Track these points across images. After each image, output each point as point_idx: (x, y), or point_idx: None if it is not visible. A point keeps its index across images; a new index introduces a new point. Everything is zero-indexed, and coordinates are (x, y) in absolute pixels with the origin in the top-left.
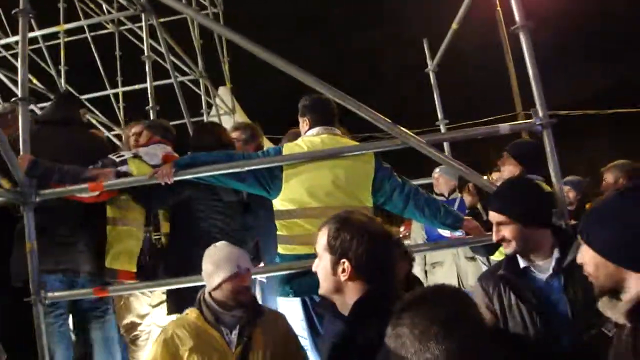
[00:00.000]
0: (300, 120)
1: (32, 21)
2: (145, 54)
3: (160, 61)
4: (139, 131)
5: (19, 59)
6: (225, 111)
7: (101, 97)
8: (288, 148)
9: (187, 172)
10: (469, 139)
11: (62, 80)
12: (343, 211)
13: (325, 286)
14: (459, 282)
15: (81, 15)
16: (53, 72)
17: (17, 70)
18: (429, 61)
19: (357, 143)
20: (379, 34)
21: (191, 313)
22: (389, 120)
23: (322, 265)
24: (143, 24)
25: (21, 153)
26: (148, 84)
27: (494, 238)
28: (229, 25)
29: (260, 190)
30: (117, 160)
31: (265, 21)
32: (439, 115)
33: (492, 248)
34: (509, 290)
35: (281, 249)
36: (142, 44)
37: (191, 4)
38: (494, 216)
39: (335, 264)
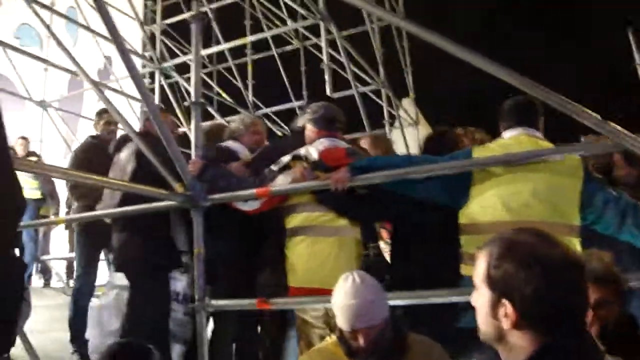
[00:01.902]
0: (500, 120)
1: (220, 37)
2: (325, 61)
3: (341, 72)
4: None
5: (192, 65)
6: (409, 123)
7: (287, 110)
8: (479, 151)
9: (365, 177)
10: None
11: (250, 94)
12: (511, 230)
13: (484, 330)
14: None
15: (265, 28)
16: (241, 87)
17: (211, 87)
18: (636, 54)
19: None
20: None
21: (331, 340)
22: (599, 117)
23: (480, 302)
24: (322, 32)
25: (193, 156)
26: (327, 93)
27: None
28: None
29: (445, 199)
30: (276, 169)
31: (451, 26)
32: None
33: None
34: None
35: (463, 269)
36: (332, 59)
37: (371, 19)
38: None
39: (494, 304)
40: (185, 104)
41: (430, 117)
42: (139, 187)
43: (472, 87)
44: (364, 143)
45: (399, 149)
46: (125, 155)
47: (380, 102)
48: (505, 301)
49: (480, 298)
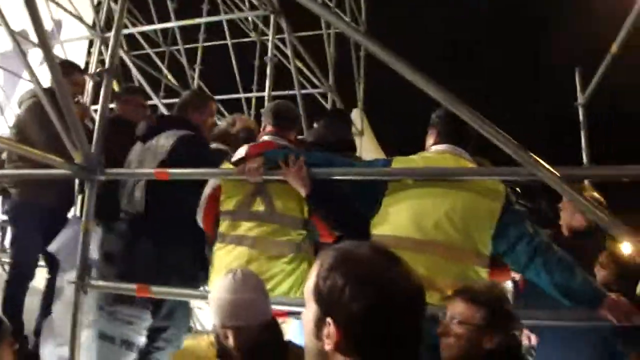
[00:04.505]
0: (429, 131)
1: (172, 14)
2: (269, 55)
3: (288, 65)
4: None
5: (112, 32)
6: (353, 132)
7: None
8: (399, 161)
9: (277, 172)
10: (618, 181)
11: (196, 78)
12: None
13: (307, 352)
14: None
15: (222, 13)
16: (188, 71)
17: (158, 68)
18: (579, 94)
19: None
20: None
21: (208, 340)
22: (516, 143)
23: (306, 319)
24: (271, 25)
25: (96, 124)
26: (266, 88)
27: None
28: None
29: (359, 205)
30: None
31: (411, 47)
32: (584, 158)
33: None
34: None
35: None
36: (284, 56)
37: (328, 24)
38: None
39: (319, 322)
40: (99, 70)
41: (379, 129)
42: (32, 151)
43: (422, 108)
44: None
45: None
46: (162, 144)
47: (326, 105)
48: (329, 319)
49: (307, 313)
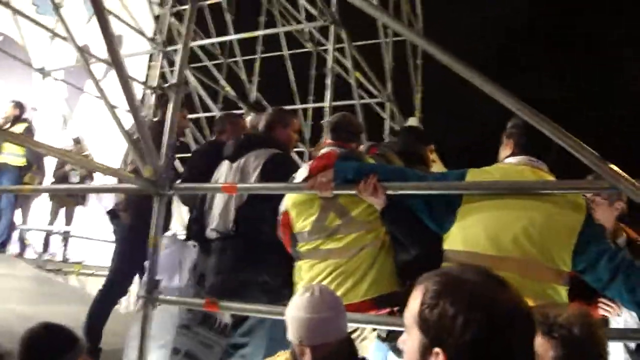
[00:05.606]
0: (504, 142)
1: (232, 27)
2: (328, 65)
3: (346, 76)
4: None
5: (180, 47)
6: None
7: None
8: (474, 174)
9: (349, 186)
10: None
11: (254, 91)
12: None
13: None
14: None
15: (279, 25)
16: (246, 83)
17: (216, 80)
18: None
19: None
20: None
21: (284, 355)
22: (597, 155)
23: (409, 347)
24: (331, 36)
25: (165, 139)
26: (327, 97)
27: None
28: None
29: (429, 221)
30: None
31: (471, 51)
32: None
33: None
34: None
35: None
36: (340, 66)
37: (386, 32)
38: None
39: (425, 351)
40: (165, 85)
41: (434, 139)
42: (99, 166)
43: (480, 115)
44: None
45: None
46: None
47: (383, 115)
48: (437, 349)
49: (410, 341)
